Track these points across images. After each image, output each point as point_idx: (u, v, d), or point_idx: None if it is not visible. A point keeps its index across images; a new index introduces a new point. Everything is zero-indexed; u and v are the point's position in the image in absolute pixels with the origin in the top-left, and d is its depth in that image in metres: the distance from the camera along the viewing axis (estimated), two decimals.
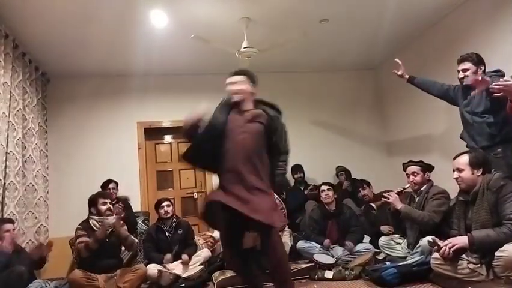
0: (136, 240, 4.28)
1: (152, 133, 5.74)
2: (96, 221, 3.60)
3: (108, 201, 3.65)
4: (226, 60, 4.53)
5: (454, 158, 2.74)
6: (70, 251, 4.04)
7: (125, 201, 4.72)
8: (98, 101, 5.55)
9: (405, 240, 3.56)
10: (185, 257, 3.87)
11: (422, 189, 3.43)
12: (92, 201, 3.68)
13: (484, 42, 3.94)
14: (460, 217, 2.72)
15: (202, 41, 4.25)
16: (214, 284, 3.56)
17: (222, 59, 4.74)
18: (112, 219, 3.61)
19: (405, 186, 3.55)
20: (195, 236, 4.37)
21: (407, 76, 3.84)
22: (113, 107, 5.55)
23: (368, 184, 4.96)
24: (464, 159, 2.66)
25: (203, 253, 4.00)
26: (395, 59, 3.89)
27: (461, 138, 3.31)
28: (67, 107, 5.44)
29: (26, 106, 4.43)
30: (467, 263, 2.50)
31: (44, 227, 4.70)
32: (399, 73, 3.86)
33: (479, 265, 2.46)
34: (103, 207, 3.60)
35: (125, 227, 3.80)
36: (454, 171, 2.70)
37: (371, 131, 6.23)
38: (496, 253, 2.27)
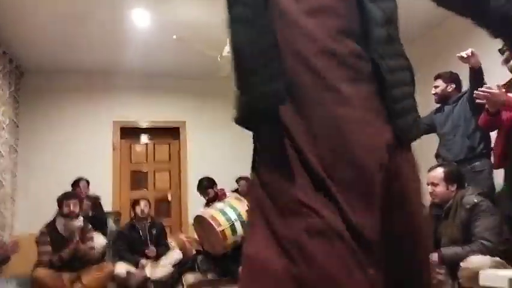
0: (104, 241, 4.19)
1: (129, 133, 5.65)
2: (63, 223, 3.54)
3: (72, 202, 3.58)
4: (209, 64, 4.51)
5: (429, 171, 2.75)
6: (35, 248, 3.92)
7: (95, 200, 4.62)
8: (74, 98, 5.42)
9: None
10: (152, 249, 3.83)
11: None
12: (59, 203, 3.62)
13: (483, 45, 3.97)
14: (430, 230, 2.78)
15: (184, 42, 4.23)
16: (183, 285, 3.53)
17: (205, 63, 4.72)
18: (77, 222, 3.55)
19: None
20: (168, 238, 4.33)
21: None
22: (89, 104, 5.44)
23: None
24: (439, 173, 2.67)
25: (175, 254, 3.98)
26: None
27: (436, 156, 3.33)
28: (41, 102, 5.29)
29: None
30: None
31: (9, 223, 4.54)
32: None
33: (444, 275, 2.53)
34: (66, 210, 3.55)
35: (91, 234, 3.74)
36: (428, 185, 2.70)
37: None
38: (461, 264, 2.33)
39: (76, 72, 5.38)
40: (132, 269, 3.64)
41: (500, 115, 2.62)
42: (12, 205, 4.70)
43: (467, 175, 2.85)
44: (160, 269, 3.78)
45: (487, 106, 2.60)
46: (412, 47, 4.94)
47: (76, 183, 4.55)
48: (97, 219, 4.30)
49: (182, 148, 5.69)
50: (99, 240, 4.00)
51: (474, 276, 2.23)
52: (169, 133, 5.73)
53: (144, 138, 5.87)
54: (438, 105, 3.43)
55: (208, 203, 4.09)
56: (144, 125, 5.66)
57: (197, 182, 4.53)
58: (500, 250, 2.44)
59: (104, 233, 4.41)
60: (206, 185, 4.29)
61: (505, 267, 2.26)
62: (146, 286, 3.55)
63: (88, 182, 4.65)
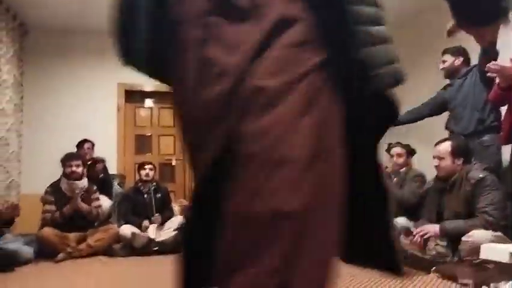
0: (109, 203, 4.25)
1: (133, 96, 5.61)
2: (66, 183, 3.58)
3: (74, 163, 3.61)
4: None
5: (436, 144, 2.75)
6: (41, 207, 4.00)
7: (101, 162, 4.65)
8: (79, 58, 5.35)
9: None
10: (157, 216, 3.91)
11: (400, 170, 3.54)
12: (62, 163, 3.66)
13: None
14: (433, 203, 2.80)
15: None
16: None
17: None
18: (81, 183, 3.60)
19: (388, 165, 3.66)
20: (172, 203, 4.39)
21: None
22: (94, 65, 5.36)
23: None
24: (446, 147, 2.67)
25: (178, 219, 4.04)
26: None
27: (446, 128, 3.33)
28: (46, 61, 5.22)
29: (0, 56, 4.24)
30: (435, 245, 2.60)
31: (16, 182, 4.59)
32: None
33: (445, 248, 2.57)
34: (68, 170, 3.58)
35: (97, 194, 3.79)
36: (434, 158, 2.72)
37: None
38: (463, 238, 2.35)
39: (81, 32, 5.28)
40: (137, 231, 3.71)
41: (511, 90, 2.56)
42: (19, 164, 4.74)
43: (475, 149, 2.83)
44: (164, 232, 3.85)
45: (498, 80, 2.55)
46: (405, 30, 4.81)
47: (80, 145, 4.57)
48: (103, 181, 4.35)
49: None
50: (105, 203, 4.07)
51: (475, 249, 2.26)
52: None
53: (149, 102, 5.83)
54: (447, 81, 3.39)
55: None
56: (149, 88, 5.60)
57: None
58: (502, 225, 2.46)
59: (110, 195, 4.47)
60: None
61: (506, 242, 2.28)
62: (151, 247, 3.62)
63: (93, 145, 4.67)
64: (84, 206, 3.57)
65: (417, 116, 3.70)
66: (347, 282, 2.41)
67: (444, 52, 3.31)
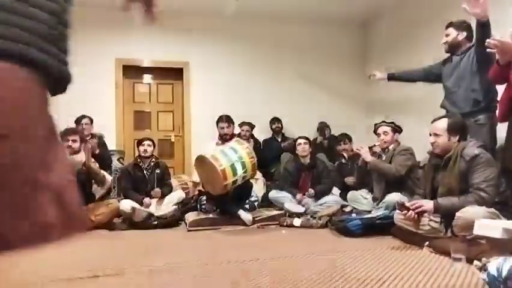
0: (110, 177, 4.29)
1: (131, 71, 5.57)
2: None
3: (71, 138, 3.66)
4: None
5: (432, 122, 2.77)
6: None
7: (100, 138, 4.67)
8: (76, 32, 5.23)
9: (372, 195, 3.74)
10: (157, 190, 4.00)
11: (389, 147, 3.65)
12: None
13: None
14: (428, 179, 2.83)
15: None
16: (186, 223, 3.67)
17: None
18: (78, 157, 3.63)
19: (376, 143, 3.76)
20: (171, 178, 4.44)
21: (385, 76, 3.97)
22: (92, 40, 5.27)
23: (350, 139, 4.96)
24: (442, 124, 2.68)
25: (177, 194, 4.11)
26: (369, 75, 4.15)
27: (441, 107, 3.34)
28: None
29: None
30: (429, 221, 2.65)
31: None
32: (378, 76, 4.02)
33: (439, 223, 2.62)
34: (64, 145, 3.61)
35: (96, 164, 3.83)
36: (430, 135, 2.74)
37: (353, 88, 6.25)
38: (457, 214, 2.39)
39: (78, 6, 5.16)
40: (137, 205, 3.77)
41: (510, 67, 2.55)
42: None
43: (470, 127, 2.85)
44: (163, 207, 3.91)
45: (497, 57, 2.54)
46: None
47: (78, 120, 4.57)
48: (101, 156, 4.37)
49: (186, 89, 5.64)
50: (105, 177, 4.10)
51: (468, 225, 2.30)
52: (172, 73, 5.65)
53: (147, 78, 5.80)
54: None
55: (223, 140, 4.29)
56: (147, 63, 5.57)
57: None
58: (495, 202, 2.50)
59: (109, 171, 4.50)
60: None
61: (498, 218, 2.33)
62: (151, 221, 3.68)
63: (91, 120, 4.66)
64: (93, 164, 3.64)
65: (410, 76, 3.78)
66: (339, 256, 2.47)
67: (449, 25, 3.26)
